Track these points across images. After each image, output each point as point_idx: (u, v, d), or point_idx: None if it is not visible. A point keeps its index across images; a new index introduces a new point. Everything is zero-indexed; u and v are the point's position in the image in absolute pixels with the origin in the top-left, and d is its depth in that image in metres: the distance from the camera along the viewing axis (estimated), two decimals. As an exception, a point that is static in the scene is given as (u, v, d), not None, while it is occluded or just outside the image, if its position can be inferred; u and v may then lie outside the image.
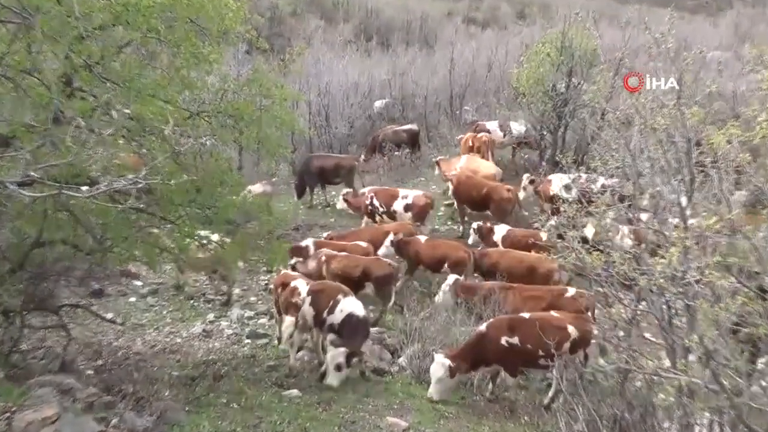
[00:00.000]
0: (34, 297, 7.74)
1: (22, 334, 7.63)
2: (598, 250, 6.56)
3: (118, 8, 6.06)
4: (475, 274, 11.23)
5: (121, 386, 6.93)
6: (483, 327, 8.07)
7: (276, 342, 9.68)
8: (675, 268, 5.42)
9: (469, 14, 41.64)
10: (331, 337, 8.39)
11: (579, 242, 6.87)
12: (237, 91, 7.74)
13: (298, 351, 9.09)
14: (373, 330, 9.71)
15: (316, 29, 33.56)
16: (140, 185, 5.20)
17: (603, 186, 11.77)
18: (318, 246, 11.12)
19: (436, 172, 16.26)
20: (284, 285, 9.24)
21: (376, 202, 13.71)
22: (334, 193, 15.77)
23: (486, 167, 15.13)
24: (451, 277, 10.03)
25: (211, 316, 10.79)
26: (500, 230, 12.31)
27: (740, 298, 4.91)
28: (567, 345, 7.83)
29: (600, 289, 6.92)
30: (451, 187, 14.42)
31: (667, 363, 6.13)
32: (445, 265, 11.12)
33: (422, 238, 11.74)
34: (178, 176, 6.18)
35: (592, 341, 8.13)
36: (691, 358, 5.64)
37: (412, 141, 19.20)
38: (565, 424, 6.16)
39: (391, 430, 6.93)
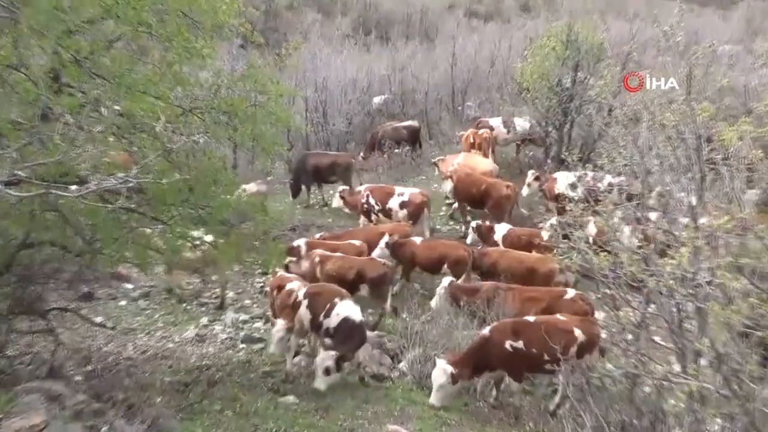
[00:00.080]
0: (21, 300, 7.72)
1: (9, 339, 7.63)
2: (605, 250, 6.56)
3: (108, 1, 6.05)
4: (475, 275, 11.23)
5: (112, 393, 6.91)
6: (486, 331, 8.06)
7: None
8: (685, 269, 5.43)
9: (471, 7, 41.59)
10: (327, 342, 8.39)
11: (586, 242, 6.87)
12: (231, 87, 7.72)
13: (295, 356, 9.08)
14: (372, 334, 9.71)
15: (313, 23, 33.60)
16: (131, 184, 5.20)
17: (610, 184, 11.80)
18: (310, 246, 11.12)
19: (437, 172, 16.28)
20: (280, 287, 9.24)
21: (371, 201, 13.75)
22: (332, 192, 15.76)
23: (483, 164, 15.20)
24: (446, 280, 10.03)
25: (204, 320, 10.78)
26: (501, 229, 12.33)
27: (752, 300, 4.91)
28: (573, 349, 7.83)
29: (607, 291, 6.93)
30: (451, 184, 14.45)
31: (677, 367, 6.14)
32: (445, 266, 11.13)
33: (417, 239, 11.74)
34: (170, 175, 6.17)
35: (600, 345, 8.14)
36: (702, 362, 5.64)
37: (413, 138, 19.21)
38: (572, 431, 6.16)
39: (392, 437, 6.92)
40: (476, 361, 7.91)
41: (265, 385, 8.41)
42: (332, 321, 8.33)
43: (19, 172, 4.96)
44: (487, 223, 12.65)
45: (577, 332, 7.94)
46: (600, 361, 8.09)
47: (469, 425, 7.62)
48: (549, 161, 16.38)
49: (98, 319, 10.18)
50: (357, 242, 11.47)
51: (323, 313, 8.43)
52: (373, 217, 13.78)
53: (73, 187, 5.34)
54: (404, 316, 10.29)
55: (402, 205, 13.42)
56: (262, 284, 12.20)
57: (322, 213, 16.10)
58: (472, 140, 16.59)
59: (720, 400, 5.01)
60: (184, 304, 11.47)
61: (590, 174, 12.29)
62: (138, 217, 6.94)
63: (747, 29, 31.33)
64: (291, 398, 7.82)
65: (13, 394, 5.56)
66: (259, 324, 10.66)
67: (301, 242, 11.31)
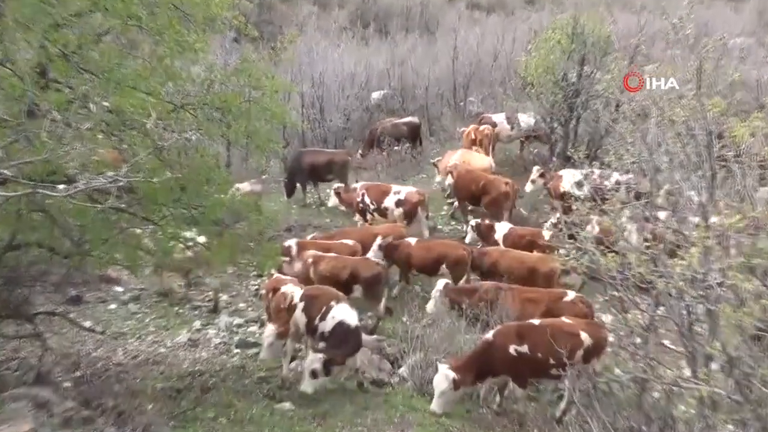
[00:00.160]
0: (8, 304, 7.73)
1: (-5, 344, 7.63)
2: (612, 251, 6.57)
3: (96, -7, 6.06)
4: (476, 276, 11.25)
5: (101, 400, 6.92)
6: (490, 335, 8.06)
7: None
8: (695, 270, 5.43)
9: (474, -2, 41.60)
10: (320, 345, 8.40)
11: (593, 242, 6.87)
12: (224, 82, 7.72)
13: (291, 361, 9.09)
14: (371, 338, 9.73)
15: (309, 15, 33.54)
16: (121, 183, 5.21)
17: (617, 182, 11.81)
18: (301, 246, 11.13)
19: (438, 176, 16.31)
20: (275, 290, 9.25)
21: (367, 199, 13.77)
22: (328, 191, 15.78)
23: (480, 160, 15.25)
24: (441, 282, 10.04)
25: (197, 324, 10.78)
26: (502, 228, 12.36)
27: (765, 301, 4.92)
28: (580, 353, 7.84)
29: (615, 293, 6.93)
30: (451, 180, 14.50)
31: (687, 372, 6.14)
32: (443, 267, 11.15)
33: (413, 240, 11.76)
34: (161, 174, 6.18)
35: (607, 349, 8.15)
36: (713, 366, 5.64)
37: (413, 135, 19.21)
38: (578, 438, 6.17)
39: (392, 445, 6.94)
40: (479, 367, 7.91)
41: (261, 391, 8.42)
42: (327, 325, 8.34)
43: (5, 171, 4.97)
44: (487, 221, 12.67)
45: (584, 336, 7.95)
46: (607, 366, 8.10)
47: (472, 432, 7.63)
48: (554, 159, 16.35)
49: (87, 323, 10.17)
50: (350, 242, 11.48)
51: (319, 317, 8.44)
52: (368, 216, 13.82)
53: (61, 187, 5.34)
54: (404, 319, 10.29)
55: (398, 204, 13.44)
56: (257, 287, 12.20)
57: (319, 213, 16.10)
58: (473, 137, 16.62)
59: (732, 406, 5.01)
60: (177, 308, 11.47)
61: (597, 172, 12.30)
62: (128, 217, 6.95)
63: (759, 21, 31.35)
64: (287, 405, 7.83)
65: (0, 401, 5.57)
66: (254, 328, 10.65)
67: (292, 243, 11.31)
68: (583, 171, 12.73)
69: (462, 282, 10.81)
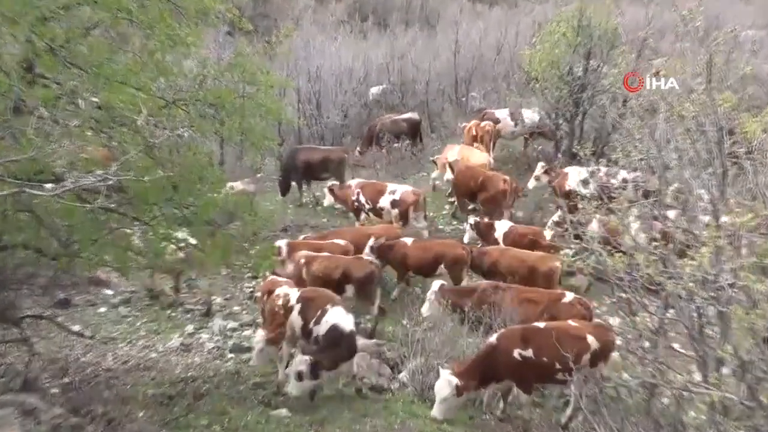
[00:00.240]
0: (-7, 307, 7.73)
1: (-20, 349, 7.63)
2: (620, 251, 6.57)
3: (84, -15, 6.06)
4: (477, 276, 11.26)
5: (90, 407, 6.92)
6: (493, 338, 8.06)
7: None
8: (706, 270, 5.43)
9: (475, -10, 41.58)
10: (309, 347, 8.40)
11: (600, 242, 6.88)
12: (218, 77, 7.73)
13: (287, 366, 9.08)
14: (370, 342, 9.73)
15: (306, 8, 33.55)
16: (110, 182, 5.20)
17: (624, 180, 11.83)
18: (292, 247, 11.13)
19: (435, 172, 16.36)
20: (271, 292, 9.25)
21: (362, 198, 13.82)
22: (325, 190, 15.77)
23: (478, 156, 15.32)
24: (436, 283, 10.04)
25: (190, 328, 10.78)
26: (502, 226, 12.39)
27: (778, 303, 4.92)
28: (586, 357, 7.84)
29: (623, 295, 6.92)
30: (450, 176, 14.54)
31: (697, 376, 6.14)
32: (441, 267, 11.16)
33: (408, 240, 11.77)
34: (152, 172, 6.17)
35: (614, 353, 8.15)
36: (725, 370, 5.65)
37: (413, 131, 19.22)
38: (585, 445, 6.17)
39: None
40: (482, 371, 7.90)
41: (256, 397, 8.42)
42: (321, 328, 8.33)
43: (-10, 170, 4.96)
44: (486, 220, 12.69)
45: (590, 339, 7.95)
46: (615, 370, 8.10)
47: (475, 440, 7.64)
48: (560, 156, 16.38)
49: (76, 328, 10.17)
50: (341, 242, 11.49)
51: (314, 320, 8.44)
52: (363, 216, 13.91)
53: (49, 186, 5.34)
54: (404, 322, 10.29)
55: (393, 204, 13.48)
56: (251, 289, 12.20)
57: (316, 212, 16.10)
58: (474, 133, 16.64)
59: (744, 412, 5.01)
60: (168, 311, 11.47)
61: (603, 169, 12.31)
62: (118, 217, 6.94)
63: (772, 13, 31.33)
64: (283, 411, 7.83)
65: (-15, 409, 5.57)
66: (248, 332, 10.65)
67: (282, 243, 11.32)
68: (589, 168, 12.74)
69: (464, 283, 10.82)
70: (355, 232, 12.51)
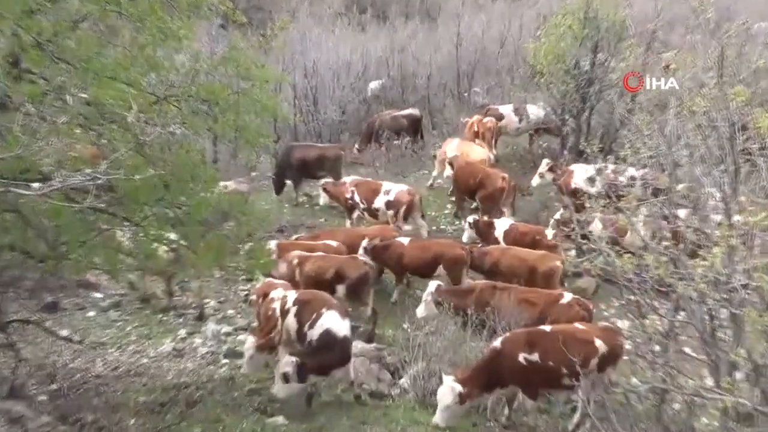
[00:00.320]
0: (-22, 312, 7.73)
1: (-36, 355, 7.62)
2: (628, 252, 6.57)
3: (72, -24, 6.05)
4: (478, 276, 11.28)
5: (79, 414, 6.92)
6: (497, 342, 8.06)
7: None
8: (718, 271, 5.43)
9: (478, -18, 41.56)
10: (298, 348, 8.39)
11: (607, 242, 6.88)
12: (211, 72, 7.71)
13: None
14: (369, 346, 9.73)
15: (302, 0, 33.54)
16: (100, 181, 5.19)
17: (632, 178, 11.84)
18: (281, 248, 11.14)
19: (439, 172, 16.39)
20: (266, 295, 9.26)
21: (356, 197, 13.88)
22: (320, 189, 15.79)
23: (477, 152, 15.39)
24: (433, 284, 10.05)
25: (182, 333, 10.78)
26: (502, 225, 12.44)
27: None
28: (594, 361, 7.84)
29: (632, 297, 6.93)
30: (450, 172, 14.68)
31: (709, 381, 6.15)
32: (440, 267, 11.18)
33: (405, 240, 11.78)
34: (143, 171, 6.16)
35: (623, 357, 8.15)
36: (738, 375, 5.65)
37: (414, 128, 19.22)
38: (593, 452, 6.17)
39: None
40: (487, 377, 7.91)
41: (251, 404, 8.41)
42: (315, 332, 8.33)
43: (-25, 169, 4.96)
44: (486, 218, 12.72)
45: (598, 343, 7.95)
46: (623, 375, 8.11)
47: (479, 447, 7.64)
48: (566, 152, 16.38)
49: (64, 332, 10.16)
50: (334, 243, 11.50)
51: (308, 323, 8.44)
52: (356, 214, 14.03)
53: (36, 185, 5.33)
54: (405, 326, 10.30)
55: (388, 205, 13.56)
56: (246, 292, 12.20)
57: (313, 212, 16.11)
58: (476, 129, 16.67)
59: (758, 418, 5.02)
60: (160, 315, 11.47)
61: (610, 167, 12.32)
62: (108, 217, 6.93)
63: (786, 4, 31.34)
64: (280, 419, 7.82)
65: (-30, 417, 5.57)
66: (243, 336, 10.64)
67: (272, 243, 11.32)
68: (596, 166, 12.76)
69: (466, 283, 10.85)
70: (348, 233, 12.53)
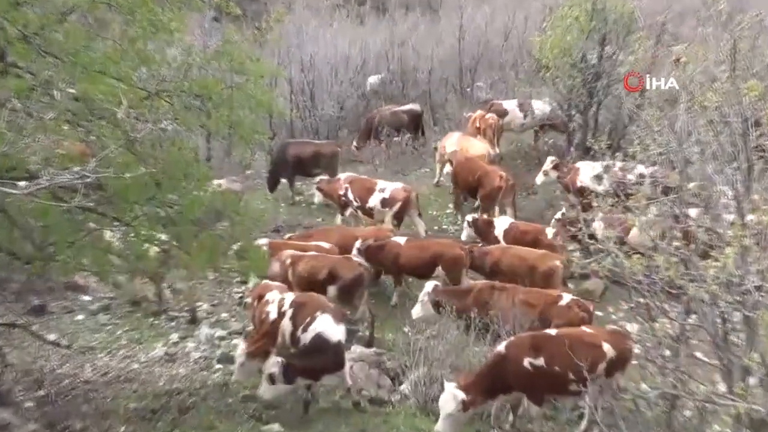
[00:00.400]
0: (-38, 315, 7.73)
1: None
2: (638, 252, 6.57)
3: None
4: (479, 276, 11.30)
5: (68, 422, 6.93)
6: (502, 347, 8.06)
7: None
8: (731, 272, 5.43)
9: (481, -28, 41.55)
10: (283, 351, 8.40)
11: (616, 243, 6.88)
12: (204, 66, 7.71)
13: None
14: (369, 351, 9.73)
15: (298, -9, 33.56)
16: (88, 180, 5.19)
17: (640, 175, 11.85)
18: (273, 247, 11.14)
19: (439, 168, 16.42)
20: (261, 297, 9.26)
21: (350, 195, 13.93)
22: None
23: (476, 146, 15.45)
24: (429, 284, 10.05)
25: (174, 337, 10.78)
26: (502, 223, 12.49)
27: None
28: (602, 366, 7.84)
29: (641, 300, 6.93)
30: (449, 168, 14.69)
31: (722, 387, 6.15)
32: (439, 268, 11.20)
33: (401, 240, 11.80)
34: (133, 169, 6.16)
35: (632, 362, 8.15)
36: (752, 380, 5.65)
37: (414, 124, 19.21)
38: (601, 461, 6.17)
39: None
40: (490, 382, 7.90)
41: (246, 411, 8.42)
42: (307, 336, 8.33)
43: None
44: (485, 216, 12.75)
45: (606, 347, 7.95)
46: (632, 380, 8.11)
47: (482, 456, 7.64)
48: (572, 150, 16.38)
49: (51, 337, 10.15)
50: (326, 245, 11.51)
51: (302, 327, 8.43)
52: (348, 212, 14.10)
53: (22, 183, 5.32)
54: (406, 330, 10.30)
55: (383, 203, 13.60)
56: (241, 294, 12.20)
57: (310, 211, 16.11)
58: (477, 125, 16.68)
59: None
60: (151, 319, 11.47)
61: (618, 164, 12.32)
62: (97, 217, 6.94)
63: (800, -5, 31.33)
64: (276, 427, 7.83)
65: (-45, 424, 5.57)
66: (238, 340, 10.64)
67: (263, 242, 11.32)
68: (602, 163, 12.76)
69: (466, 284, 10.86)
70: (342, 233, 12.55)
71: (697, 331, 6.65)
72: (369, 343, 10.20)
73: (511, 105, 17.89)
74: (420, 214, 14.03)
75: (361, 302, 10.50)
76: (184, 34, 7.62)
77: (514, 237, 12.06)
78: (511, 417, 8.42)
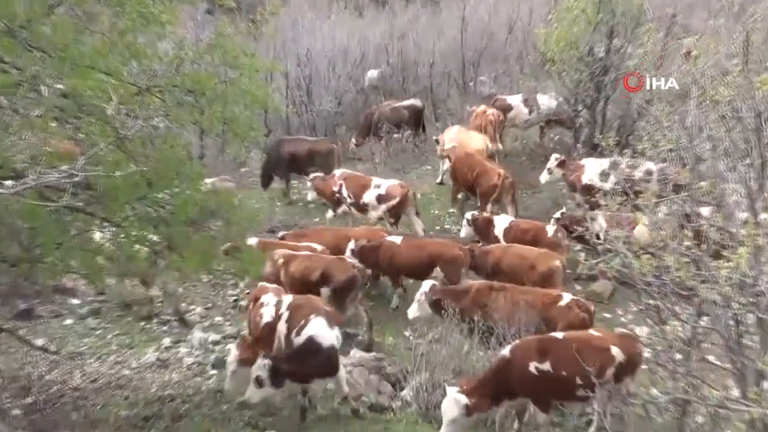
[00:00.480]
0: (-53, 320, 7.73)
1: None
2: (648, 252, 6.57)
3: (46, -42, 6.05)
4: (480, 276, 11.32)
5: (56, 430, 6.92)
6: (506, 351, 8.06)
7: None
8: (744, 273, 5.43)
9: (484, -38, 41.55)
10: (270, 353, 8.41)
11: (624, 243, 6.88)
12: (196, 61, 7.70)
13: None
14: (368, 356, 9.73)
15: (294, -17, 33.57)
16: (77, 178, 5.19)
17: (648, 172, 11.85)
18: (262, 246, 11.15)
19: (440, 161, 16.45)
20: (257, 300, 9.26)
21: (344, 191, 13.98)
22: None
23: (475, 141, 15.49)
24: (427, 283, 10.06)
25: (167, 341, 10.79)
26: (502, 222, 12.54)
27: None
28: (611, 371, 7.84)
29: (651, 302, 6.93)
30: (448, 164, 14.85)
31: (735, 392, 6.15)
32: (437, 269, 11.22)
33: (397, 239, 11.83)
34: (123, 167, 6.16)
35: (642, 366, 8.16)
36: (766, 385, 5.66)
37: (415, 120, 19.20)
38: (610, 469, 6.18)
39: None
40: (495, 388, 7.89)
41: (241, 418, 8.43)
42: (300, 339, 8.33)
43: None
44: (485, 215, 12.77)
45: (615, 351, 7.94)
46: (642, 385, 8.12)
47: (487, 463, 7.65)
48: (579, 146, 16.36)
49: (39, 342, 10.16)
50: (318, 246, 11.52)
51: (296, 329, 8.43)
52: (342, 208, 14.15)
53: (8, 183, 5.33)
54: (407, 334, 10.31)
55: (379, 200, 13.64)
56: (236, 297, 12.21)
57: (307, 211, 16.12)
58: (478, 122, 16.70)
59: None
60: (142, 323, 11.47)
61: (624, 161, 12.32)
62: (85, 217, 6.94)
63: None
64: (272, 434, 7.84)
65: (-61, 433, 5.57)
66: (232, 345, 10.65)
67: (253, 241, 11.33)
68: (608, 159, 12.75)
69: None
70: (336, 233, 12.59)
71: (709, 334, 6.65)
72: (368, 348, 10.21)
73: (515, 100, 17.87)
74: (418, 213, 14.04)
75: (353, 305, 10.52)
76: (175, 27, 7.59)
77: (514, 236, 12.12)
78: (516, 424, 8.42)
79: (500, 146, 16.92)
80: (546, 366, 7.81)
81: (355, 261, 11.22)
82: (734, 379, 6.30)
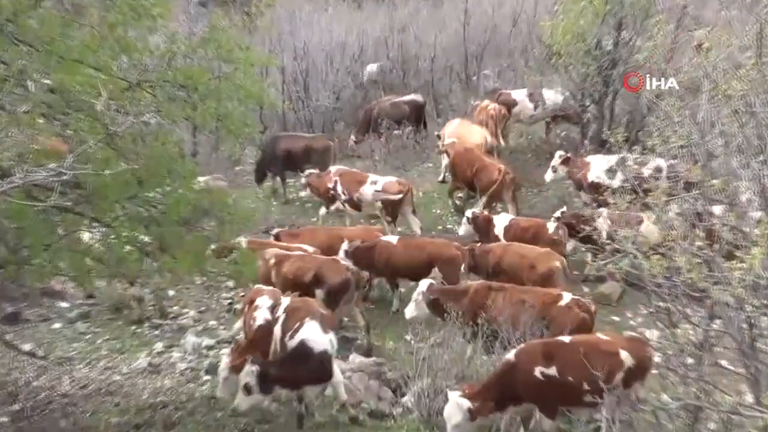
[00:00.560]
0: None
1: None
2: (658, 252, 6.56)
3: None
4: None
5: (45, 438, 6.91)
6: (511, 355, 8.06)
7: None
8: (758, 274, 5.43)
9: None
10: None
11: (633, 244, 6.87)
12: (189, 55, 7.71)
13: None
14: (368, 361, 9.73)
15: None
16: (65, 177, 5.19)
17: (657, 169, 11.85)
18: (252, 245, 11.14)
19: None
20: (252, 303, 9.26)
21: (339, 188, 14.04)
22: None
23: (474, 134, 15.57)
24: (424, 283, 10.07)
25: (159, 346, 10.79)
26: (502, 220, 12.61)
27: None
28: (620, 376, 7.83)
29: (661, 304, 6.92)
30: (447, 160, 14.94)
31: (749, 398, 6.14)
32: (435, 269, 11.24)
33: (393, 239, 11.84)
34: (113, 165, 6.17)
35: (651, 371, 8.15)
36: (780, 390, 5.65)
37: (416, 116, 19.21)
38: (619, 477, 6.18)
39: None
40: (499, 393, 7.89)
41: (236, 426, 8.43)
42: (292, 343, 8.31)
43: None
44: (485, 213, 12.80)
45: (624, 355, 7.94)
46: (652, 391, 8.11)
47: (491, 472, 7.65)
48: (587, 142, 16.36)
49: (26, 346, 10.17)
50: (309, 248, 11.52)
51: (290, 333, 8.42)
52: (335, 205, 14.25)
53: (-6, 182, 5.33)
54: (408, 338, 10.30)
55: (375, 198, 13.68)
56: (230, 300, 12.21)
57: (304, 210, 16.13)
58: (480, 118, 16.74)
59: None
60: (134, 327, 11.47)
61: (631, 157, 12.31)
62: (74, 217, 6.94)
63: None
64: (268, 442, 7.83)
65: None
66: (227, 350, 10.65)
67: (242, 240, 11.31)
68: (617, 156, 12.76)
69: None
70: (330, 233, 12.63)
71: (722, 338, 6.63)
72: (368, 352, 10.21)
73: (520, 95, 17.89)
74: (414, 211, 14.07)
75: (348, 307, 10.51)
76: (167, 20, 7.60)
77: (514, 234, 12.18)
78: (521, 430, 8.41)
79: (502, 142, 16.93)
80: (552, 371, 7.80)
81: (348, 262, 11.22)
82: (748, 384, 6.29)
